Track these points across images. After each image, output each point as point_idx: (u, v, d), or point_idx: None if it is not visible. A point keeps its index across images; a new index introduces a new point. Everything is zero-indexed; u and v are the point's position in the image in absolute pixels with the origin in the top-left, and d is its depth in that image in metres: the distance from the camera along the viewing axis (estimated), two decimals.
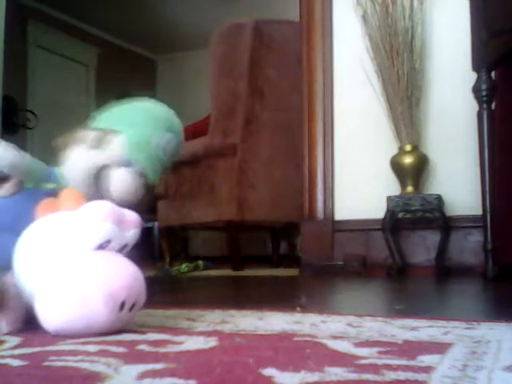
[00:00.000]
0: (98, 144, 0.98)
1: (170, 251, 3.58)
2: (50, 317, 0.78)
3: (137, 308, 0.81)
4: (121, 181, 0.97)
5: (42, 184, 0.95)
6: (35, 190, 0.93)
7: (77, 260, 0.80)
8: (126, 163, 0.98)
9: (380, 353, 0.64)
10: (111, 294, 0.76)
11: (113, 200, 0.91)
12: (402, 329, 0.82)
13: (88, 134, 0.99)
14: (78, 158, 0.99)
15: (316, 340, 0.73)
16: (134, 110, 1.05)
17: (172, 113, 1.06)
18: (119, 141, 0.98)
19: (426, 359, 0.60)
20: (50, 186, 0.96)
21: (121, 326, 0.80)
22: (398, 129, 2.32)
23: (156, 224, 4.09)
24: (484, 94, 1.98)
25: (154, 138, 1.00)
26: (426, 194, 2.28)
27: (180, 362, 0.61)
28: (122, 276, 0.79)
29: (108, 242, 0.82)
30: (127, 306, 0.78)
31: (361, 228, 2.44)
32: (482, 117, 1.98)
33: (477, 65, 2.01)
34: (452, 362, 0.58)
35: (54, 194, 0.92)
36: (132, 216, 0.86)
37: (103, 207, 0.83)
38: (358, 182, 2.50)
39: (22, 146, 0.95)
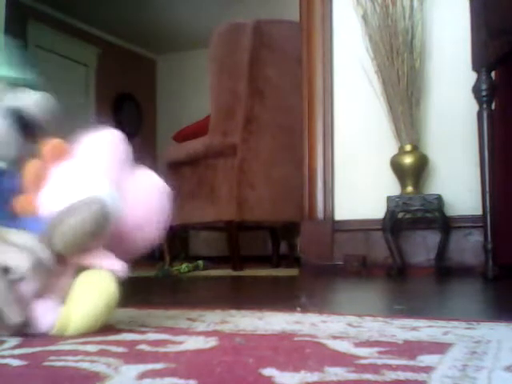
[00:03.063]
0: None
1: (170, 251, 3.58)
2: None
3: None
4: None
5: None
6: None
7: None
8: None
9: (380, 353, 0.64)
10: None
11: None
12: (401, 329, 0.82)
13: None
14: None
15: (316, 340, 0.73)
16: None
17: None
18: None
19: (425, 359, 0.60)
20: None
21: None
22: (398, 129, 2.32)
23: None
24: (484, 93, 1.98)
25: None
26: (426, 194, 2.28)
27: (180, 362, 0.61)
28: None
29: None
30: None
31: (361, 228, 2.44)
32: (481, 117, 1.98)
33: (477, 65, 2.01)
34: (452, 361, 0.58)
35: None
36: None
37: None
38: (358, 181, 2.50)
39: None
